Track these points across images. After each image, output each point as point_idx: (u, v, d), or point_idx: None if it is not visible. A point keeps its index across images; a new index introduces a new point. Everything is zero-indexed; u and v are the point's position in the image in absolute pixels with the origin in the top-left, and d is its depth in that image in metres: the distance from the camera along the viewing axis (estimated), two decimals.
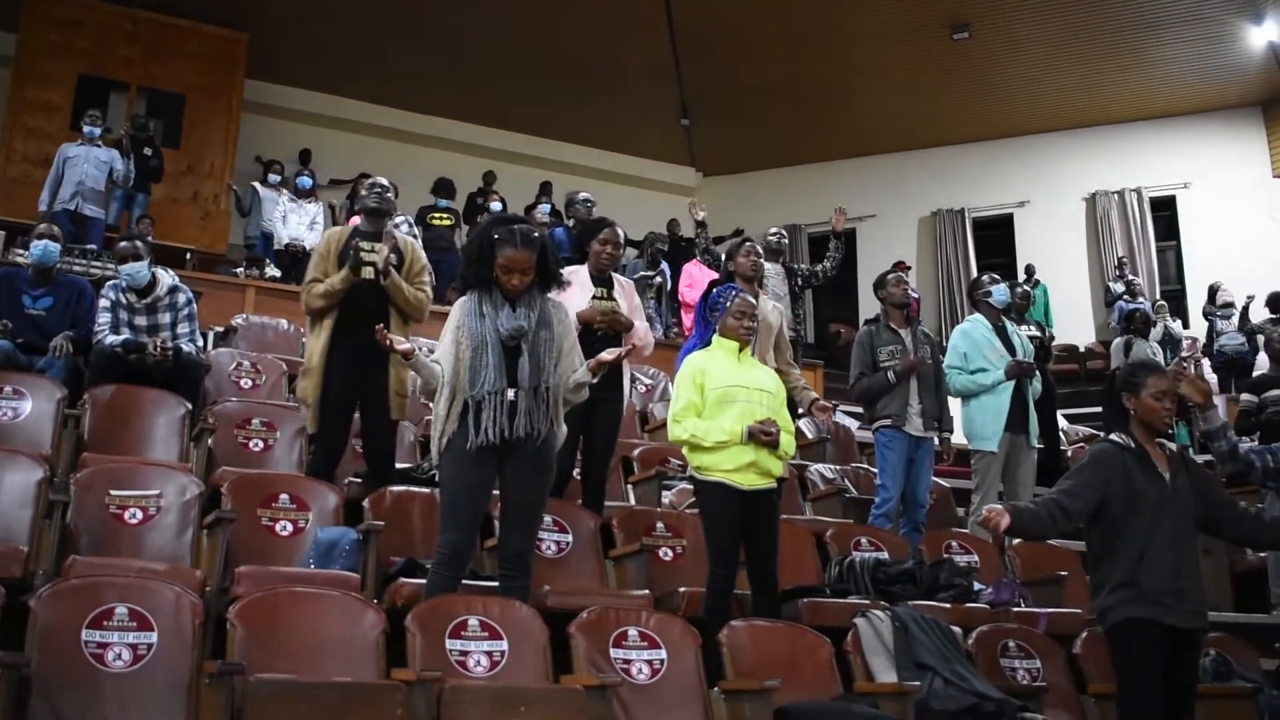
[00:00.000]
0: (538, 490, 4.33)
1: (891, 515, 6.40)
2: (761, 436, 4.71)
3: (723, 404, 4.77)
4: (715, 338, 4.99)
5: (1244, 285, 13.26)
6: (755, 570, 4.82)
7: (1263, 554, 6.96)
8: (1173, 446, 4.30)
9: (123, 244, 6.39)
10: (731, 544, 4.75)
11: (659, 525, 5.52)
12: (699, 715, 4.17)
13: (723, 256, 6.93)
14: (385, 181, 5.79)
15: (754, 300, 5.11)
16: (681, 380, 4.91)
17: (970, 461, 6.97)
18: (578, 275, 5.56)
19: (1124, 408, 4.25)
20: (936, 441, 6.54)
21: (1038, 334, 8.48)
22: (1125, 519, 4.06)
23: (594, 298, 5.52)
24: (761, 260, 6.50)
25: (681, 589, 4.92)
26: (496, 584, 4.34)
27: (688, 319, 10.65)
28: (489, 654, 3.99)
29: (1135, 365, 4.38)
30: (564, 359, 4.36)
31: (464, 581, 4.32)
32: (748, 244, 6.52)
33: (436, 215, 12.25)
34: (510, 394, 4.20)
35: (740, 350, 4.94)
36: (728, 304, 4.97)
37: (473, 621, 4.01)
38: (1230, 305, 13.28)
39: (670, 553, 5.44)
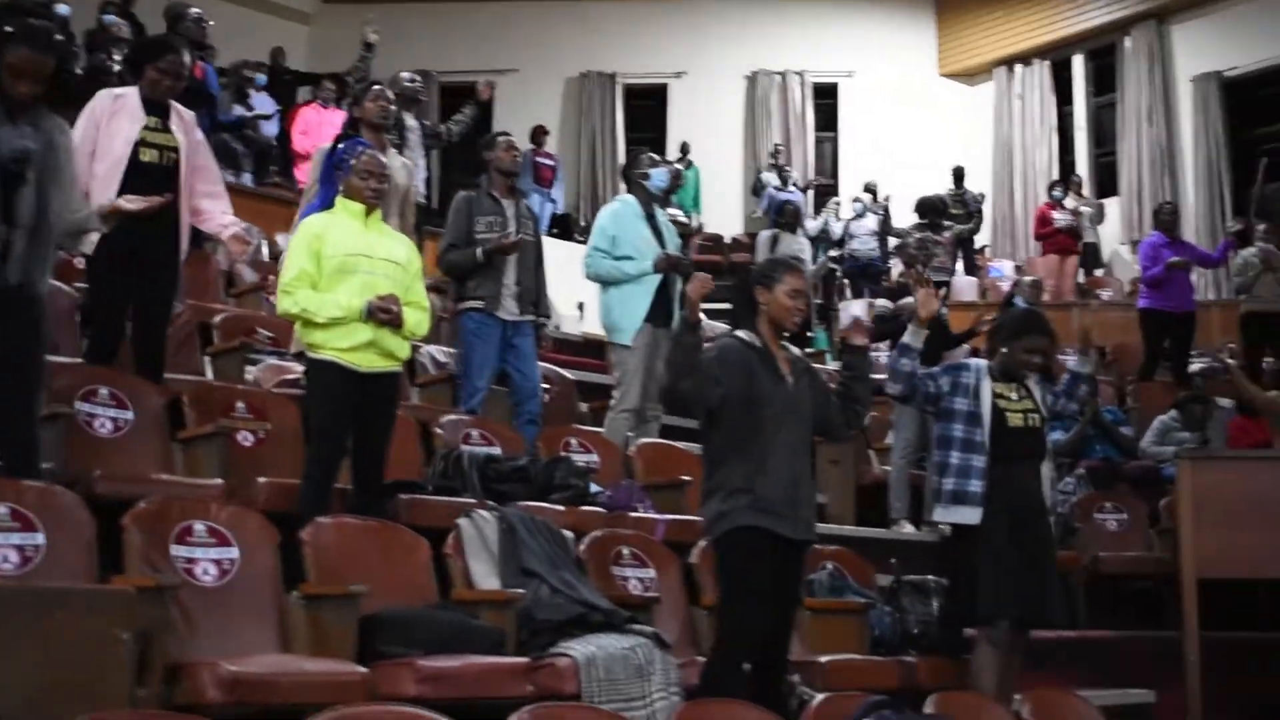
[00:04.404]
0: (32, 346, 4.12)
1: (479, 410, 6.45)
2: (380, 315, 4.68)
3: (341, 274, 4.72)
4: (339, 199, 4.93)
5: (900, 185, 14.04)
6: (361, 463, 4.84)
7: (887, 467, 7.59)
8: (795, 350, 4.58)
9: None
10: (340, 432, 4.76)
11: (239, 405, 5.39)
12: (273, 622, 4.16)
13: None
14: None
15: (383, 157, 5.03)
16: (295, 246, 4.83)
17: (608, 355, 7.14)
18: (127, 99, 5.31)
19: (755, 302, 4.46)
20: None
21: (684, 220, 8.77)
22: (745, 422, 4.27)
23: (145, 128, 5.27)
24: (393, 107, 6.39)
25: (261, 479, 4.85)
26: None
27: (300, 172, 10.32)
28: (20, 549, 3.79)
29: (775, 260, 4.64)
30: (65, 193, 4.14)
31: None
32: (376, 88, 6.39)
33: None
34: (4, 232, 3.93)
35: (368, 214, 4.89)
36: (353, 161, 4.89)
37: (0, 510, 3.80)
38: (876, 204, 14.09)
39: (251, 437, 5.33)
